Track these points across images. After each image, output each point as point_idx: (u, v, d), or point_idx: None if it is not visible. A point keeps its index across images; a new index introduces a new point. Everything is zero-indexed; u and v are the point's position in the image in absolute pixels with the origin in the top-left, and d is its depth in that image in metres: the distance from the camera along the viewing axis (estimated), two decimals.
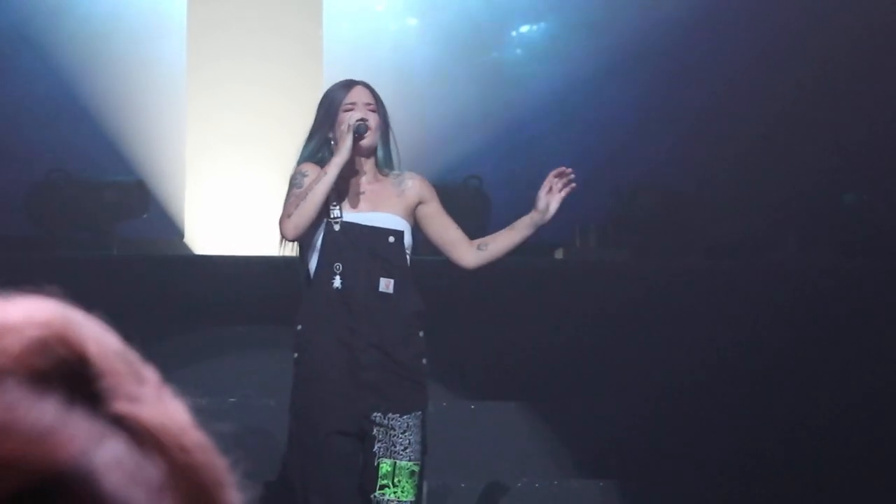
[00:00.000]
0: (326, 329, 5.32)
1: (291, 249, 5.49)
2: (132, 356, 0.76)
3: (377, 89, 5.54)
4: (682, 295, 7.63)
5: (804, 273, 7.90)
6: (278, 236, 5.45)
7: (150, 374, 0.76)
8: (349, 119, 5.35)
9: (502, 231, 5.50)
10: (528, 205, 5.54)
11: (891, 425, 7.27)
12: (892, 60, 9.00)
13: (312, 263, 5.41)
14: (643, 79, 9.24)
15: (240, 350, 7.21)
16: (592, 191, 8.91)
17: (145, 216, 8.84)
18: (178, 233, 9.03)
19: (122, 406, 0.72)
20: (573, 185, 5.43)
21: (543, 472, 6.97)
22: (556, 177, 5.45)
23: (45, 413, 0.69)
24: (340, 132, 5.35)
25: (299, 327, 5.38)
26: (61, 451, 0.68)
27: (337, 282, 5.34)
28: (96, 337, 0.74)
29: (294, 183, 5.44)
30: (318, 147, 5.48)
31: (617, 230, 8.66)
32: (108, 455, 0.70)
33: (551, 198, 5.41)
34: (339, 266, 5.35)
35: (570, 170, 5.46)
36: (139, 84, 9.25)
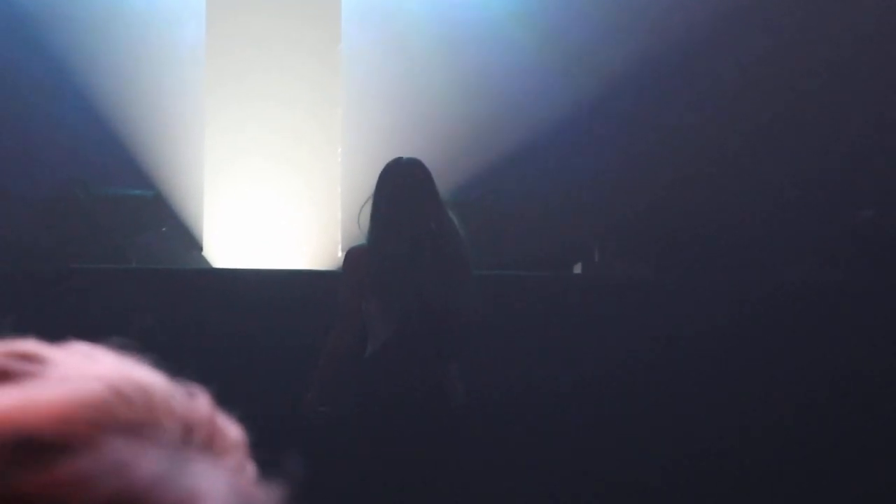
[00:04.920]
0: None
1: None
2: (179, 397, 0.76)
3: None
4: (705, 310, 7.59)
5: (820, 289, 7.86)
6: None
7: (200, 410, 0.76)
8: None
9: None
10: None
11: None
12: None
13: None
14: (661, 90, 9.23)
15: (257, 363, 7.20)
16: (612, 204, 8.89)
17: (164, 229, 8.86)
18: (197, 246, 9.04)
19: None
20: None
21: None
22: None
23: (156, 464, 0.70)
24: None
25: None
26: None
27: None
28: (139, 398, 0.74)
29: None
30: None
31: (637, 244, 8.63)
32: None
33: None
34: None
35: None
36: (157, 97, 9.27)
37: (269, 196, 8.92)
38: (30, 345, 0.76)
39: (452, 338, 5.88)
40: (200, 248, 9.03)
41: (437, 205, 5.89)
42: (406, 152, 6.26)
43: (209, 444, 0.74)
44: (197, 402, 0.76)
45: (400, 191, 5.86)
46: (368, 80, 9.22)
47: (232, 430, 0.76)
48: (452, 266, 5.84)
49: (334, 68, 9.18)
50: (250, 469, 0.76)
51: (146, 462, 0.71)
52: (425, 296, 5.78)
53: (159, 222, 8.84)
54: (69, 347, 0.77)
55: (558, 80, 9.20)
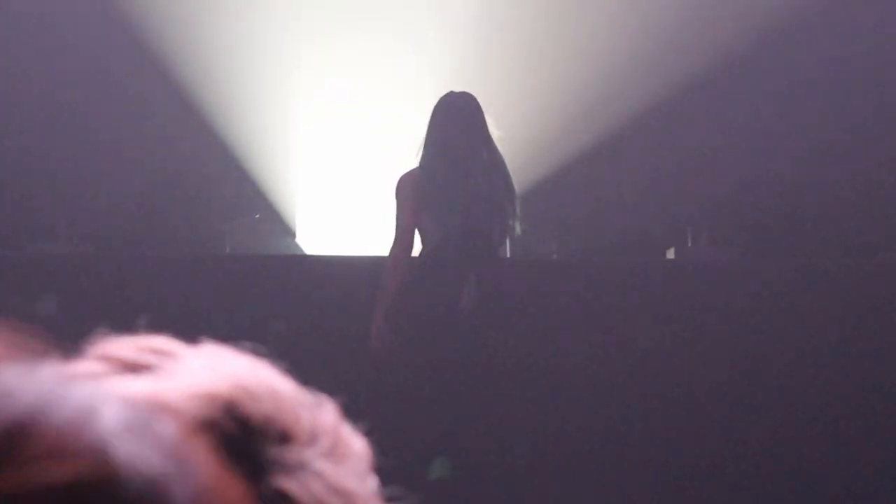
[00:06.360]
0: None
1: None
2: (307, 404, 0.76)
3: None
4: (802, 297, 7.49)
5: None
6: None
7: (325, 419, 0.76)
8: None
9: None
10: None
11: None
12: None
13: None
14: (757, 76, 9.14)
15: (349, 348, 7.23)
16: (706, 188, 8.82)
17: (257, 216, 8.92)
18: (290, 233, 9.10)
19: (281, 481, 0.72)
20: None
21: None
22: None
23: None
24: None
25: None
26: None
27: None
28: (267, 398, 0.74)
29: None
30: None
31: (731, 229, 8.55)
32: None
33: None
34: None
35: None
36: (251, 85, 9.33)
37: (362, 182, 8.96)
38: (162, 340, 0.77)
39: (486, 254, 6.26)
40: (294, 235, 9.09)
41: (488, 136, 6.25)
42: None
43: (331, 452, 0.75)
44: (324, 411, 0.77)
45: (454, 120, 6.25)
46: (462, 66, 9.21)
47: (356, 442, 0.77)
48: (499, 193, 6.21)
49: (425, 56, 9.19)
50: (372, 482, 0.76)
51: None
52: (471, 215, 6.18)
53: (253, 209, 8.90)
54: (200, 346, 0.78)
55: (654, 65, 9.14)
